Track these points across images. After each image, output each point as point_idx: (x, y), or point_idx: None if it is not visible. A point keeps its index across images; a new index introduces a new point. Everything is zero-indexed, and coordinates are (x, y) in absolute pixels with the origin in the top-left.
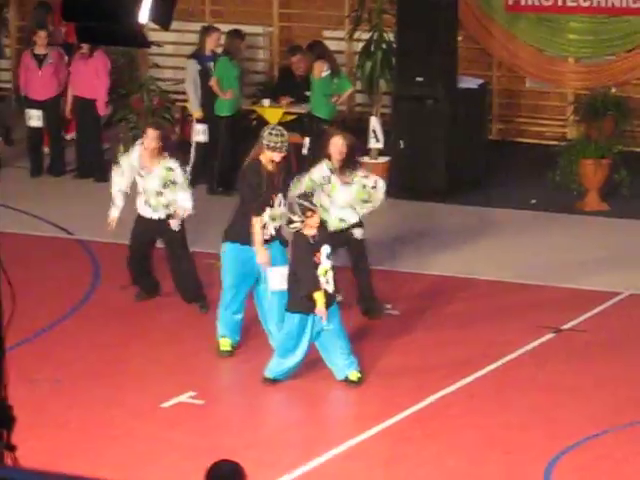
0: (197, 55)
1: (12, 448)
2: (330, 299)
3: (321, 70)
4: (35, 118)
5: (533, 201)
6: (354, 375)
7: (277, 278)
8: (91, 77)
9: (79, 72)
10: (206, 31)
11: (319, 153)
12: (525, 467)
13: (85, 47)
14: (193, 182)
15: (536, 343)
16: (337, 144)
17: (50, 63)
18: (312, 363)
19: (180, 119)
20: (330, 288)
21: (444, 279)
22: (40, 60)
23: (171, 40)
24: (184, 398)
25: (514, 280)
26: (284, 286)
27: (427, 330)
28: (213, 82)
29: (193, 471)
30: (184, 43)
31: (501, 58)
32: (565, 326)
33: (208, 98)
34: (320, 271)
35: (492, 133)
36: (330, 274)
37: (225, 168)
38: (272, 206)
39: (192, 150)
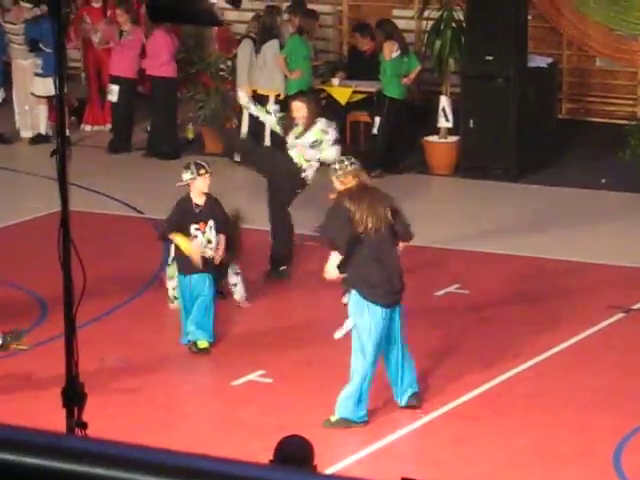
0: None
1: (83, 425)
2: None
3: (391, 51)
4: (113, 93)
5: (603, 180)
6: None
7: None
8: (156, 55)
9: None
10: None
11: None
12: (594, 447)
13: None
14: None
15: (606, 323)
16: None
17: (129, 40)
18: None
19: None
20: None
21: (513, 259)
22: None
23: (242, 19)
24: (253, 376)
25: (584, 260)
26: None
27: (495, 309)
28: (280, 60)
29: (262, 449)
30: None
31: (571, 37)
32: (635, 306)
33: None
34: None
35: (562, 112)
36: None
37: None
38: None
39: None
